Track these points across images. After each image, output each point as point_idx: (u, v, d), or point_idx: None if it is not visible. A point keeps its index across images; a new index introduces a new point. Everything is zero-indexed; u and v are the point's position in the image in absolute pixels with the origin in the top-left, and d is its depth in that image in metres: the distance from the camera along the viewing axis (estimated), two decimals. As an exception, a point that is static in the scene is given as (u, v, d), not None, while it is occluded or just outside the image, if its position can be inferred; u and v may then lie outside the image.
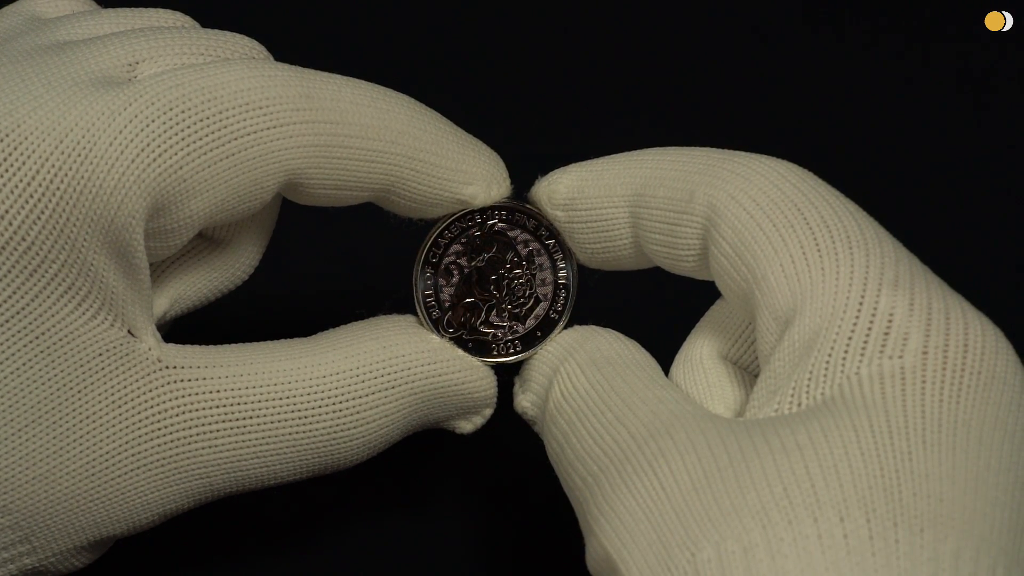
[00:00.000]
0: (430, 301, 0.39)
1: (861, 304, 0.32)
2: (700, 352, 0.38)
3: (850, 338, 0.32)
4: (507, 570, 0.45)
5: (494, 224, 0.39)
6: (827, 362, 0.32)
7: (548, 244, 0.40)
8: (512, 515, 0.46)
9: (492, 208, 0.39)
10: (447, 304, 0.39)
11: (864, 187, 0.40)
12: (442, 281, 0.39)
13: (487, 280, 0.39)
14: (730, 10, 0.58)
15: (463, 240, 0.39)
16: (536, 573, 0.45)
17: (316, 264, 0.51)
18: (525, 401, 0.39)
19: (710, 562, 0.30)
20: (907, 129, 0.55)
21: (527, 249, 0.40)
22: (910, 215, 0.51)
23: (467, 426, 0.40)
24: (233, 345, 0.38)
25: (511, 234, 0.40)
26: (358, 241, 0.51)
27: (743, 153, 0.36)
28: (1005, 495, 0.30)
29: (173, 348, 0.37)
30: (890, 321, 0.32)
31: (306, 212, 0.42)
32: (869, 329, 0.32)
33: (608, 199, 0.38)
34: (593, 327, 0.39)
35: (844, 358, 0.32)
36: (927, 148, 0.55)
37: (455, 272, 0.39)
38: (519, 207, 0.39)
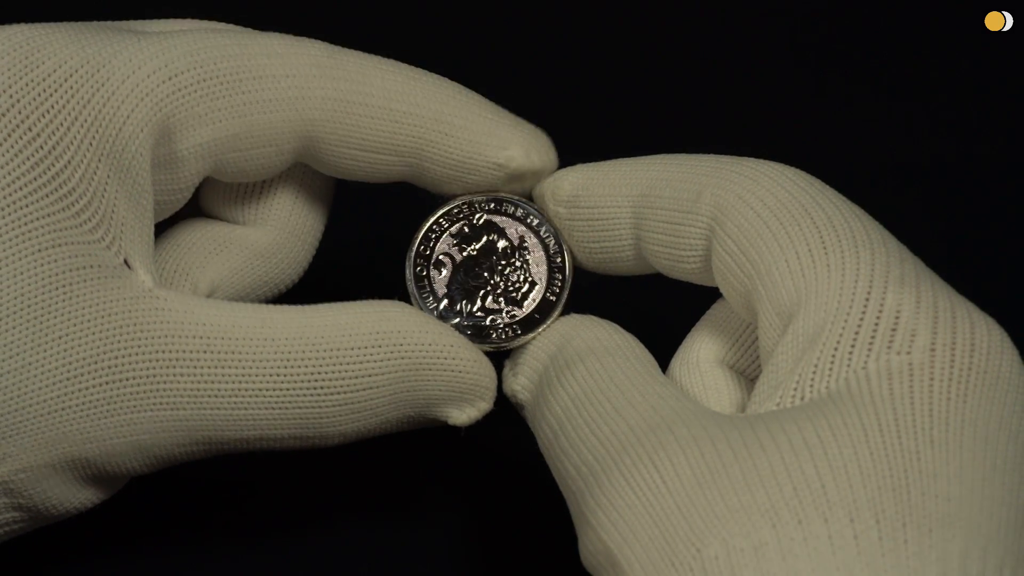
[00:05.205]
0: (424, 293, 0.39)
1: (867, 300, 0.32)
2: (697, 355, 0.38)
3: (856, 333, 0.32)
4: (501, 569, 0.45)
5: (483, 214, 0.40)
6: (832, 355, 0.32)
7: (540, 230, 0.40)
8: (506, 513, 0.46)
9: (481, 199, 0.40)
10: (441, 295, 0.39)
11: (864, 188, 0.40)
12: (435, 272, 0.39)
13: (480, 268, 0.40)
14: (731, 14, 0.58)
15: (453, 231, 0.40)
16: (530, 572, 0.45)
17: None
18: (516, 384, 0.38)
19: (717, 559, 0.30)
20: (907, 129, 0.55)
21: (519, 235, 0.40)
22: (910, 216, 0.52)
23: (461, 416, 0.38)
24: (226, 301, 0.37)
25: (501, 223, 0.40)
26: (351, 239, 0.51)
27: (751, 159, 0.36)
28: (1011, 495, 0.30)
29: (166, 289, 0.36)
30: (897, 318, 0.32)
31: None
32: (876, 325, 0.32)
33: (612, 198, 0.38)
34: (592, 317, 0.38)
35: (851, 352, 0.32)
36: (927, 148, 0.55)
37: (447, 263, 0.39)
38: (507, 196, 0.40)
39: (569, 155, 0.41)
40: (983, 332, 0.32)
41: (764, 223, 0.34)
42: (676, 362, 0.38)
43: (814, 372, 0.32)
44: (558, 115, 0.54)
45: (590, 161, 0.40)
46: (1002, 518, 0.30)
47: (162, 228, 0.40)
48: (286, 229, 0.41)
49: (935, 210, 0.53)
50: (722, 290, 0.36)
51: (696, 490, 0.31)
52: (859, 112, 0.56)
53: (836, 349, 0.32)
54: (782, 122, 0.55)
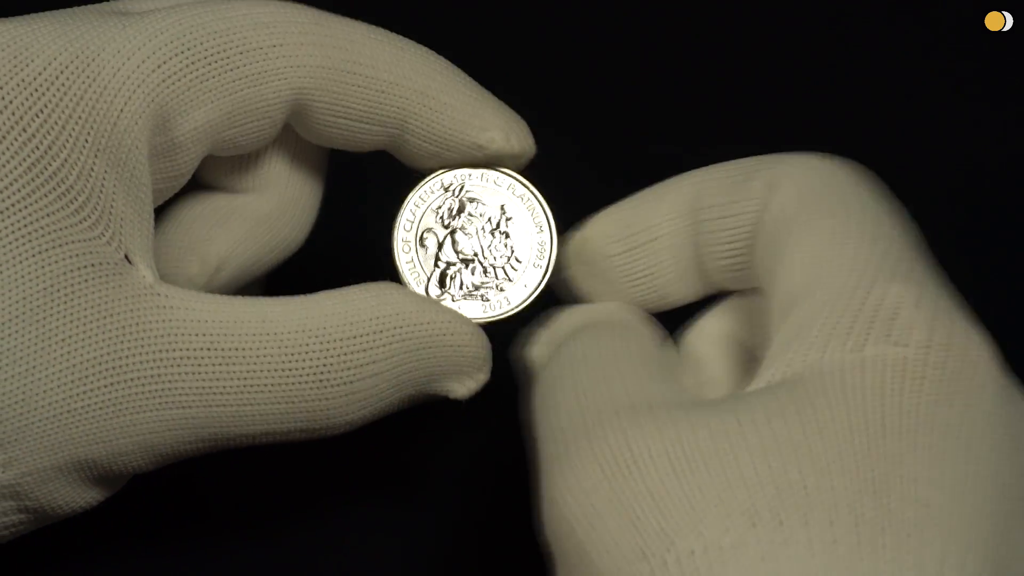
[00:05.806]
0: (413, 270, 0.40)
1: (870, 291, 0.33)
2: (709, 326, 0.39)
3: (854, 319, 0.32)
4: (498, 556, 0.45)
5: (465, 186, 0.40)
6: (828, 337, 0.32)
7: (523, 198, 0.40)
8: (504, 500, 0.46)
9: (462, 171, 0.40)
10: (429, 270, 0.40)
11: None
12: (421, 249, 0.40)
13: (464, 242, 0.40)
14: (729, 15, 0.58)
15: (436, 206, 0.40)
16: (526, 558, 0.45)
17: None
18: (535, 351, 0.39)
19: (693, 554, 0.30)
20: (907, 129, 0.55)
21: (502, 206, 0.40)
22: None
23: (460, 389, 0.39)
24: (226, 295, 0.37)
25: (484, 194, 0.40)
26: (334, 221, 0.51)
27: (796, 152, 0.37)
28: (991, 503, 0.31)
29: (167, 284, 0.36)
30: (896, 311, 0.32)
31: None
32: (875, 314, 0.32)
33: (662, 215, 0.38)
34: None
35: (847, 336, 0.32)
36: (927, 148, 0.55)
37: (431, 240, 0.40)
38: (486, 168, 0.40)
39: (568, 156, 0.41)
40: (977, 342, 0.33)
41: (803, 205, 0.35)
42: (689, 329, 0.39)
43: (807, 351, 0.33)
44: (558, 115, 0.54)
45: (587, 165, 0.40)
46: (981, 525, 0.30)
47: (161, 205, 0.40)
48: (286, 193, 0.41)
49: (934, 209, 0.53)
50: (759, 270, 0.37)
51: (671, 478, 0.31)
52: (858, 112, 0.55)
53: (832, 331, 0.32)
54: (780, 123, 0.55)
